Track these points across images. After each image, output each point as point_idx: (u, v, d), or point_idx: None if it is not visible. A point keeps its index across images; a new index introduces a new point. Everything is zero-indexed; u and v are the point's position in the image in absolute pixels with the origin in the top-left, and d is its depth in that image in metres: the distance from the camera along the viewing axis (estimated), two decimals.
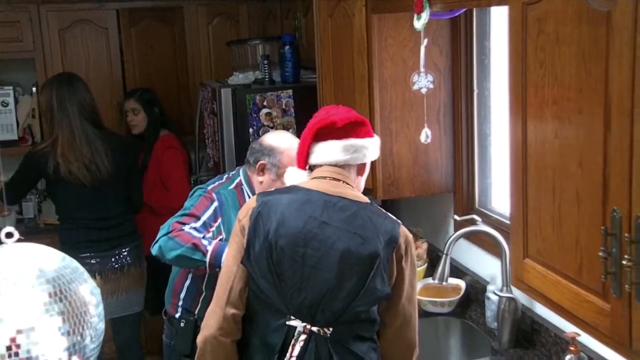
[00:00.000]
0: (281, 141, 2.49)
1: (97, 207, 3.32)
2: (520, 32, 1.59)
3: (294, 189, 1.93)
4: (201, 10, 4.50)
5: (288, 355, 1.79)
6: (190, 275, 2.50)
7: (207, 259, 2.24)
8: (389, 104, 2.66)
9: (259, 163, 2.47)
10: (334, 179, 1.91)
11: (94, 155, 3.22)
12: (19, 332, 1.01)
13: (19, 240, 1.08)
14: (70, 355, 1.04)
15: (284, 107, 3.40)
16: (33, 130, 4.31)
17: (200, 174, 4.08)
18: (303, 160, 1.99)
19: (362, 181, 2.02)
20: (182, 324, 2.49)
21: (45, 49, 4.22)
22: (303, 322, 1.81)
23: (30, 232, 3.99)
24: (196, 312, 2.48)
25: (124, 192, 3.42)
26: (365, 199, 1.92)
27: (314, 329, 1.80)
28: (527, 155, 1.62)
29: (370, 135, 1.98)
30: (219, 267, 2.12)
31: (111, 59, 4.38)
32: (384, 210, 1.92)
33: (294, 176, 2.02)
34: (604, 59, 1.31)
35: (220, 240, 2.37)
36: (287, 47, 3.47)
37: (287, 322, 1.82)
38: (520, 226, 1.65)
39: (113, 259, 3.33)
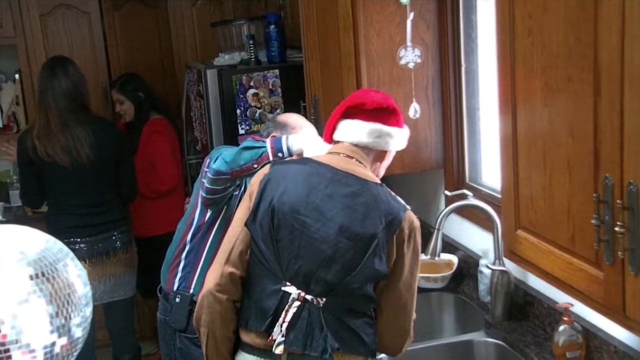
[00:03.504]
0: (294, 119, 2.50)
1: (82, 193, 3.30)
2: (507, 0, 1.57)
3: (306, 160, 1.97)
4: None
5: (280, 320, 1.81)
6: (187, 251, 2.49)
7: (267, 144, 2.21)
8: (377, 80, 2.63)
9: (270, 135, 2.45)
10: (348, 156, 1.93)
11: (73, 140, 3.19)
12: (0, 315, 0.99)
13: (0, 222, 1.05)
14: (56, 338, 1.02)
15: (270, 87, 3.37)
16: (17, 118, 4.27)
17: (188, 157, 4.04)
18: (329, 134, 2.01)
19: (381, 168, 2.01)
20: (177, 299, 2.48)
21: (27, 35, 4.17)
22: (298, 289, 1.82)
23: (19, 221, 3.94)
24: (192, 288, 2.46)
25: (111, 179, 3.38)
26: (375, 179, 1.92)
27: (308, 297, 1.82)
28: (516, 126, 1.60)
29: (399, 126, 1.98)
30: (281, 152, 2.18)
31: (94, 44, 4.34)
32: (393, 194, 1.91)
33: (316, 147, 2.06)
34: (592, 24, 1.28)
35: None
36: (272, 26, 3.44)
37: (283, 288, 1.83)
38: (512, 198, 1.64)
39: (100, 244, 3.31)
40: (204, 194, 2.34)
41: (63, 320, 1.03)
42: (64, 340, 1.03)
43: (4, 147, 3.83)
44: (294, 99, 3.33)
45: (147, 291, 3.93)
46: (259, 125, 3.36)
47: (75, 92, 3.25)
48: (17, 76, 4.22)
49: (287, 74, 3.38)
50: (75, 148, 3.19)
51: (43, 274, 1.02)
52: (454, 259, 2.65)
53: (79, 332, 1.06)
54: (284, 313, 1.81)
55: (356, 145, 1.94)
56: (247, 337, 1.90)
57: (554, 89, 1.44)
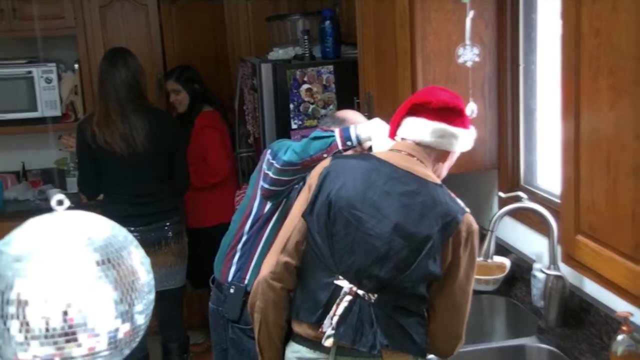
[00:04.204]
0: (353, 115, 2.50)
1: (137, 182, 3.37)
2: (573, 0, 1.54)
3: (366, 156, 1.97)
4: None
5: (331, 312, 1.82)
6: (243, 242, 2.51)
7: (336, 134, 2.21)
8: (433, 78, 2.61)
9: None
10: (409, 154, 1.91)
11: (131, 129, 3.27)
12: (67, 299, 1.01)
13: (69, 208, 1.08)
14: (120, 324, 1.04)
15: (324, 82, 3.37)
16: (75, 107, 4.37)
17: (240, 150, 4.08)
18: (394, 131, 2.00)
19: (443, 169, 1.99)
20: (231, 290, 2.50)
21: (87, 26, 4.26)
22: (350, 284, 1.82)
23: (74, 208, 4.03)
24: (246, 279, 2.48)
25: (165, 170, 3.44)
26: (435, 180, 1.89)
27: (360, 292, 1.82)
28: (579, 128, 1.57)
29: (465, 126, 1.94)
30: (350, 140, 2.17)
31: (151, 36, 4.40)
32: (453, 195, 1.89)
33: (384, 137, 2.05)
34: None
35: None
36: (327, 22, 3.43)
37: (335, 281, 1.84)
38: (572, 201, 1.61)
39: (153, 234, 3.36)
40: (266, 186, 2.35)
41: (127, 307, 1.05)
42: (127, 327, 1.06)
43: (64, 140, 3.92)
44: (347, 95, 3.33)
45: (195, 281, 3.98)
46: (312, 120, 3.37)
47: (133, 81, 3.32)
48: (76, 66, 4.32)
49: (341, 70, 3.38)
50: (132, 136, 3.27)
51: (109, 260, 1.05)
52: (506, 261, 2.61)
53: (141, 319, 1.08)
54: (335, 306, 1.82)
55: (419, 143, 1.92)
56: (298, 328, 1.92)
57: (621, 91, 1.40)
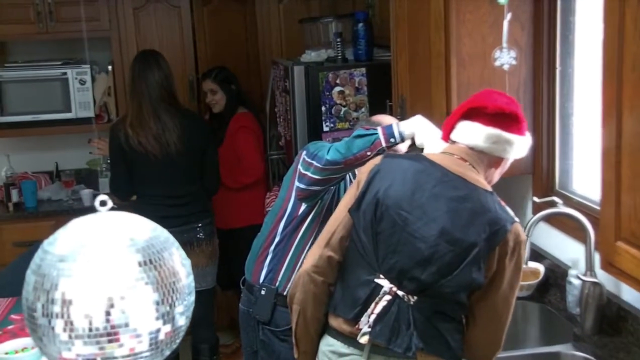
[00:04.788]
0: (388, 119, 2.48)
1: (169, 183, 3.39)
2: (617, 2, 1.51)
3: (418, 157, 1.95)
4: None
5: (369, 310, 1.82)
6: (275, 244, 2.51)
7: (379, 131, 2.19)
8: (467, 81, 2.59)
9: None
10: (462, 159, 1.89)
11: (163, 130, 3.29)
12: (110, 299, 1.02)
13: (112, 209, 1.09)
14: (161, 325, 1.04)
15: (356, 85, 3.36)
16: (108, 108, 4.41)
17: (270, 152, 4.09)
18: (447, 133, 1.98)
19: (495, 174, 1.96)
20: (262, 292, 2.50)
21: (121, 28, 4.30)
22: (391, 283, 1.82)
23: (116, 209, 4.07)
24: (277, 281, 2.48)
25: (196, 171, 3.47)
26: (487, 187, 1.87)
27: (400, 293, 1.81)
28: (621, 132, 1.54)
29: (521, 133, 1.91)
30: (393, 137, 2.14)
31: (183, 38, 4.43)
32: (503, 204, 1.86)
33: (428, 134, 2.05)
34: None
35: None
36: (360, 24, 3.43)
37: (376, 280, 1.84)
38: (612, 207, 1.58)
39: (184, 235, 3.38)
40: (303, 186, 2.34)
41: (168, 308, 1.06)
42: (168, 328, 1.06)
43: (94, 143, 3.95)
44: (380, 97, 3.32)
45: (224, 282, 4.00)
46: (343, 123, 3.36)
47: (165, 83, 3.35)
48: (109, 68, 4.37)
49: (374, 73, 3.37)
50: (164, 137, 3.30)
51: (151, 262, 1.05)
52: (540, 267, 2.57)
53: (182, 321, 1.09)
54: (373, 304, 1.81)
55: (472, 148, 1.89)
56: (334, 322, 1.92)
57: None
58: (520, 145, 1.92)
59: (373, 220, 1.84)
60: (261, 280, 2.53)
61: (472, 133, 1.88)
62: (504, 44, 2.20)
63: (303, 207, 2.45)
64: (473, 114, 1.89)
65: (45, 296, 0.99)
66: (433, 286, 1.78)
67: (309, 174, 2.30)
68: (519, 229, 1.81)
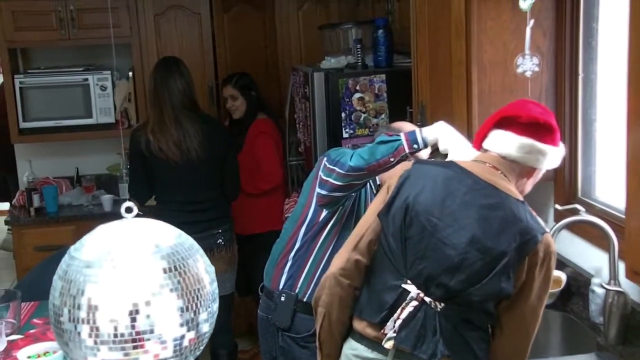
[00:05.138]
0: (409, 126, 2.49)
1: (189, 189, 3.40)
2: None
3: (450, 164, 1.94)
4: None
5: (395, 315, 1.82)
6: (295, 250, 2.50)
7: (402, 137, 2.18)
8: (488, 88, 2.58)
9: None
10: (494, 167, 1.88)
11: (184, 136, 3.32)
12: (135, 305, 1.02)
13: (137, 216, 1.09)
14: (185, 331, 1.05)
15: (376, 91, 3.36)
16: (129, 114, 4.44)
17: (289, 158, 4.10)
18: (479, 141, 1.97)
19: (527, 185, 1.96)
20: (282, 298, 2.50)
21: (141, 34, 4.33)
22: (418, 289, 1.82)
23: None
24: (297, 288, 2.48)
25: (216, 177, 3.48)
26: (518, 195, 1.86)
27: (427, 299, 1.81)
28: None
29: (554, 144, 1.90)
30: (416, 143, 2.13)
31: (203, 44, 4.45)
32: (534, 214, 1.85)
33: (462, 151, 2.04)
34: None
35: None
36: (380, 30, 3.43)
37: (403, 285, 1.83)
38: (638, 215, 1.56)
39: (204, 241, 3.37)
40: (324, 192, 2.34)
41: (192, 315, 1.06)
42: (192, 334, 1.06)
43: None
44: (400, 104, 3.31)
45: (242, 288, 4.00)
46: (363, 129, 3.36)
47: (187, 90, 3.38)
48: (130, 74, 4.40)
49: (394, 79, 3.36)
50: (185, 143, 3.32)
51: (175, 268, 1.06)
52: (562, 275, 2.55)
53: (205, 327, 1.09)
54: (399, 310, 1.81)
55: (504, 157, 1.88)
56: (359, 326, 1.92)
57: None
58: (553, 156, 1.90)
59: (402, 225, 1.84)
60: (281, 287, 2.53)
61: (505, 142, 1.88)
62: (527, 51, 2.19)
63: (324, 213, 2.45)
64: (506, 122, 1.88)
65: (72, 301, 1.00)
66: (461, 294, 1.78)
67: (331, 180, 2.29)
68: (550, 240, 1.80)
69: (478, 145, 1.98)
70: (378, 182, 2.51)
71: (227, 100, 4.09)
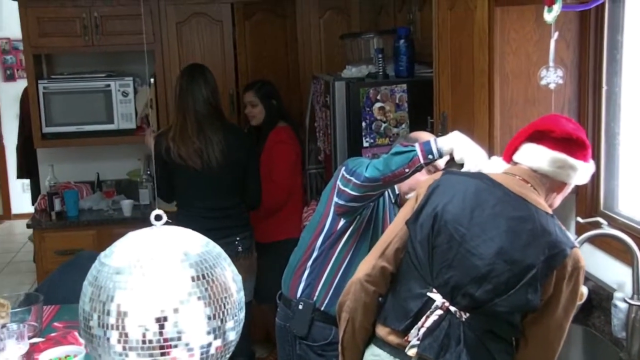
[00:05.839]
0: (425, 135, 2.49)
1: (210, 196, 3.42)
2: None
3: (480, 175, 1.95)
4: (313, 3, 4.53)
5: (420, 323, 1.82)
6: (313, 258, 2.51)
7: (417, 148, 2.18)
8: (510, 99, 2.57)
9: None
10: (524, 180, 1.89)
11: (206, 145, 3.33)
12: (163, 312, 1.03)
13: (166, 223, 1.10)
14: (212, 339, 1.05)
15: (397, 101, 3.36)
16: (150, 120, 4.48)
17: (309, 167, 4.10)
18: (510, 154, 1.98)
19: (556, 199, 1.96)
20: (300, 307, 2.50)
21: (164, 41, 4.38)
22: (443, 298, 1.82)
23: (146, 219, 4.11)
24: (315, 296, 2.48)
25: (237, 184, 3.49)
26: (547, 209, 1.86)
27: (452, 308, 1.81)
28: None
29: (585, 160, 1.91)
30: (431, 153, 2.13)
31: (224, 52, 4.49)
32: (563, 228, 1.85)
33: (478, 161, 2.05)
34: None
35: None
36: (402, 40, 3.43)
37: (428, 294, 1.84)
38: None
39: (224, 248, 3.39)
40: (342, 202, 2.35)
41: (219, 323, 1.07)
42: (219, 342, 1.07)
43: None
44: (420, 114, 3.31)
45: (260, 296, 4.00)
46: (383, 138, 3.36)
47: (211, 98, 3.40)
48: (152, 80, 4.44)
49: (415, 89, 3.37)
50: (207, 151, 3.34)
51: (203, 277, 1.06)
52: (583, 289, 2.52)
53: (232, 336, 1.10)
54: (424, 318, 1.82)
55: (535, 171, 1.89)
56: (382, 332, 1.93)
57: None
58: (583, 172, 1.91)
59: (430, 234, 1.85)
60: (298, 295, 2.53)
61: (537, 156, 1.88)
62: (551, 63, 2.18)
63: (342, 222, 2.46)
64: (539, 136, 1.89)
65: (101, 307, 1.01)
66: (487, 304, 1.78)
67: (347, 190, 2.30)
68: (579, 254, 1.80)
69: (508, 158, 1.98)
70: (397, 192, 2.51)
71: (247, 106, 4.10)
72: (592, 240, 2.46)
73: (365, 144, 3.37)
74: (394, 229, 1.96)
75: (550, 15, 2.10)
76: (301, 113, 4.31)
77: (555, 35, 2.22)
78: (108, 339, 1.01)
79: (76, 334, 2.43)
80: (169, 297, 1.03)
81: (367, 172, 2.22)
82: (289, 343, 2.60)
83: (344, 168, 2.39)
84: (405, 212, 1.96)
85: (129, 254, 1.06)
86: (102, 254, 1.09)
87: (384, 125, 3.37)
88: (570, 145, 1.86)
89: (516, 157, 1.94)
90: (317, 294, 2.50)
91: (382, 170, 2.19)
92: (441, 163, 2.23)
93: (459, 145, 2.13)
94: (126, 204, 4.29)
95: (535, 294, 1.75)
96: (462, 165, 2.10)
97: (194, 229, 3.64)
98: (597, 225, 2.36)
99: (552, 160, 1.86)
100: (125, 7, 4.22)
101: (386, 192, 2.47)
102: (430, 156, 2.15)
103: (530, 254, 1.76)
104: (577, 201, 2.67)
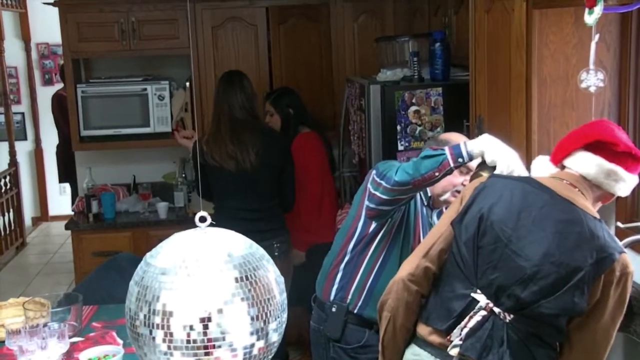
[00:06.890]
0: (456, 137, 2.48)
1: (245, 198, 3.46)
2: None
3: (527, 179, 1.95)
4: (347, 7, 4.53)
5: (463, 324, 1.82)
6: (345, 261, 2.51)
7: (447, 151, 2.17)
8: (548, 102, 2.54)
9: None
10: (572, 185, 1.89)
11: (241, 149, 3.37)
12: (207, 313, 1.04)
13: (210, 225, 1.11)
14: (255, 340, 1.06)
15: (432, 104, 3.35)
16: (185, 123, 4.52)
17: (343, 170, 4.10)
18: (561, 157, 1.97)
19: (597, 206, 1.95)
20: (333, 309, 2.51)
21: (199, 46, 4.41)
22: (487, 299, 1.81)
23: (181, 221, 4.18)
24: (348, 299, 2.48)
25: (273, 188, 3.52)
26: (595, 214, 1.86)
27: (496, 309, 1.80)
28: None
29: (635, 173, 1.91)
30: (461, 157, 2.12)
31: (259, 56, 4.51)
32: (612, 233, 1.84)
33: (511, 162, 2.05)
34: None
35: None
36: (437, 44, 3.42)
37: (472, 294, 1.84)
38: None
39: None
40: (373, 205, 2.35)
41: (262, 324, 1.07)
42: (261, 343, 1.08)
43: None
44: (456, 117, 3.29)
45: (293, 298, 4.00)
46: (419, 142, 3.35)
47: (248, 104, 3.45)
48: (187, 84, 4.48)
49: (450, 93, 3.35)
50: (241, 154, 3.37)
51: (247, 278, 1.07)
52: None
53: (275, 337, 1.10)
54: (467, 318, 1.82)
55: (585, 178, 1.89)
56: (423, 332, 1.93)
57: None
58: (631, 185, 1.91)
59: (475, 235, 1.84)
60: (332, 298, 2.54)
61: (593, 165, 1.88)
62: (591, 66, 2.15)
63: (373, 225, 2.45)
64: (599, 147, 1.88)
65: (148, 307, 1.03)
66: (532, 305, 1.77)
67: (378, 193, 2.30)
68: (628, 260, 1.79)
69: (557, 161, 1.97)
70: (429, 194, 2.50)
71: (266, 115, 4.10)
72: (632, 246, 2.42)
73: (400, 147, 3.36)
74: (439, 230, 1.96)
75: (591, 18, 2.07)
76: (335, 116, 4.32)
77: (596, 37, 2.19)
78: (153, 338, 1.02)
79: (114, 334, 2.46)
80: (213, 297, 1.04)
81: (397, 176, 2.22)
82: (322, 346, 2.61)
83: (374, 171, 2.39)
84: (450, 214, 1.96)
85: (174, 255, 1.07)
86: (148, 254, 1.10)
87: (419, 128, 3.36)
88: (627, 158, 1.87)
89: (567, 162, 1.93)
90: (350, 296, 2.50)
91: (411, 174, 2.18)
92: (473, 164, 2.22)
93: (489, 148, 2.12)
94: (162, 206, 4.34)
95: (582, 297, 1.73)
96: (494, 168, 2.09)
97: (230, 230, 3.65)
98: (638, 230, 2.32)
99: (609, 173, 1.86)
100: (161, 12, 4.27)
101: (418, 195, 2.46)
102: (460, 159, 2.14)
103: (577, 257, 1.74)
104: (617, 206, 2.63)
